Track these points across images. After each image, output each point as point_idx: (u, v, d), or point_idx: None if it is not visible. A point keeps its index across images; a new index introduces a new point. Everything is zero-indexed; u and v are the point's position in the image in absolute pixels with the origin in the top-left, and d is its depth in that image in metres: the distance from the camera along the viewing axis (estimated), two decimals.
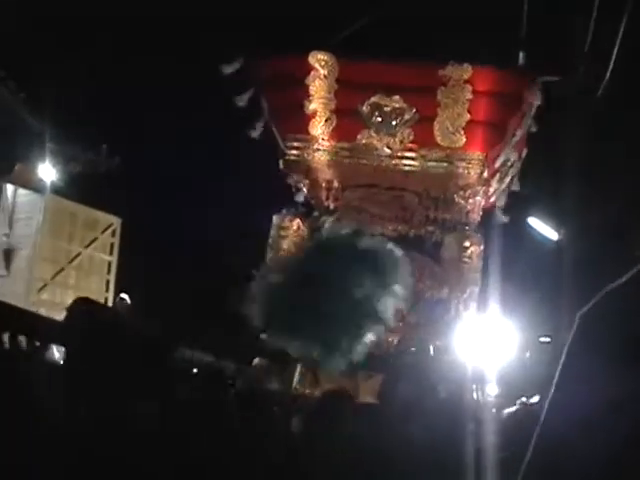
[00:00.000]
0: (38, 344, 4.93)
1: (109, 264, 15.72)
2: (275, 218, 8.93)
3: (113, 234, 15.83)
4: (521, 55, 9.72)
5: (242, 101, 8.57)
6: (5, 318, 4.76)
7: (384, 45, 8.74)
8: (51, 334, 4.93)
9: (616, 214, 11.29)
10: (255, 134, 8.82)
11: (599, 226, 11.33)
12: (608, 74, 10.93)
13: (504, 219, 9.51)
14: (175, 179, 16.10)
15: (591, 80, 10.75)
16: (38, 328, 5.05)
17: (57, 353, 5.14)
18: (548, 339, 11.00)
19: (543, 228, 12.83)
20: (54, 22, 14.25)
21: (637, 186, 10.68)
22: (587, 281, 11.18)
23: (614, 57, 10.42)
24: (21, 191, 14.92)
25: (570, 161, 11.55)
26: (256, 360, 8.52)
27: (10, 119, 13.19)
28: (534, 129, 9.21)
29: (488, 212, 9.80)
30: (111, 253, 15.80)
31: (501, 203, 9.76)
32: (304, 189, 9.02)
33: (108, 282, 15.51)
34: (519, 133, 8.90)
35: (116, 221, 15.83)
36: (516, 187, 9.80)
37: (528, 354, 10.71)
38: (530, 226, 12.95)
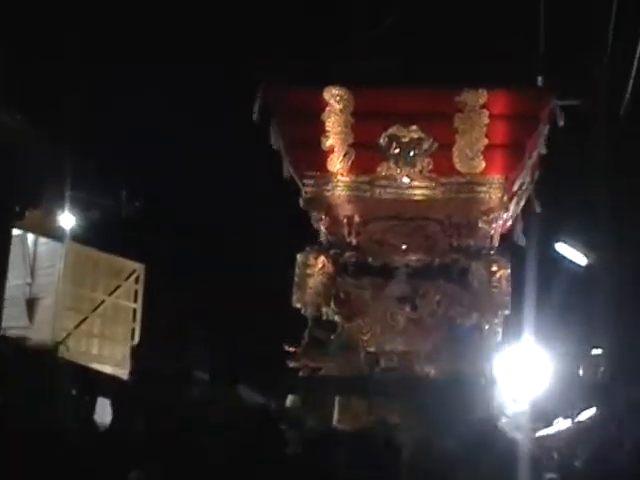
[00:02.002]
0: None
1: (134, 311, 15.64)
2: (299, 256, 8.83)
3: (137, 281, 15.75)
4: (539, 78, 9.70)
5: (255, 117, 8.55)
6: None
7: (398, 73, 8.70)
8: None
9: None
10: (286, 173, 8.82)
11: (630, 247, 11.26)
12: (628, 94, 10.89)
13: (523, 242, 9.42)
14: (196, 221, 16.08)
15: (612, 100, 10.70)
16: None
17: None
18: (600, 351, 10.93)
19: (571, 253, 12.78)
20: (74, 69, 14.30)
21: None
22: (622, 301, 11.13)
23: (633, 75, 10.38)
24: (42, 240, 14.89)
25: (597, 184, 11.49)
26: (290, 397, 8.45)
27: (27, 165, 13.14)
28: (554, 151, 9.15)
29: (508, 236, 9.70)
30: (135, 300, 15.72)
31: (522, 227, 9.66)
32: (324, 226, 8.95)
33: (134, 330, 15.42)
34: (535, 154, 8.84)
35: (139, 267, 15.75)
36: (536, 209, 9.69)
37: (581, 370, 10.62)
38: (558, 252, 12.89)
